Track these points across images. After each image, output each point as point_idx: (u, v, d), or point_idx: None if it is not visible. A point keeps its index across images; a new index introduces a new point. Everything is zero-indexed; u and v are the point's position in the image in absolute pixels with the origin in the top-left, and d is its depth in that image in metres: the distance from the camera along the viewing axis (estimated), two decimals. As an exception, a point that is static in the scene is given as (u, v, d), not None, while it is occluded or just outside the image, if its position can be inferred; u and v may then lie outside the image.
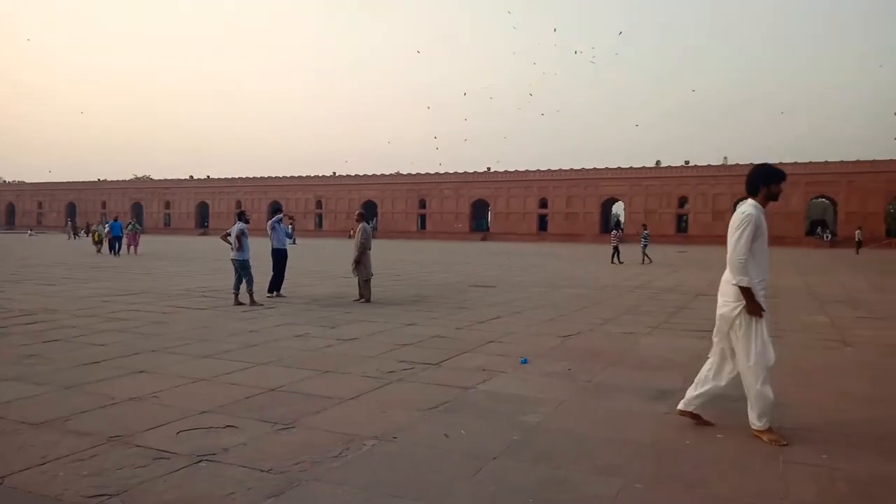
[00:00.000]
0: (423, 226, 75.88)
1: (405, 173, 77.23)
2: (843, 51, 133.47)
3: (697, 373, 6.13)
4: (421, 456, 3.78)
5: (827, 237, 56.41)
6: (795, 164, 58.09)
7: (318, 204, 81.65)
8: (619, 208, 70.27)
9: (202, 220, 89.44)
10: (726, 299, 4.28)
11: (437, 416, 4.61)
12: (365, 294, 11.75)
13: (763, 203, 4.27)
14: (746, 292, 4.09)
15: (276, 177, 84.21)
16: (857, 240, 42.52)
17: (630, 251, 30.15)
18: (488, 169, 72.74)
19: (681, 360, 6.57)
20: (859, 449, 4.00)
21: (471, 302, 12.00)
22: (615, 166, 64.69)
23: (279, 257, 12.64)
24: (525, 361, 6.47)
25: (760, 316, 4.11)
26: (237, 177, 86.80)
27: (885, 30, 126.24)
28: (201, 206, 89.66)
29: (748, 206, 4.22)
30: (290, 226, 15.57)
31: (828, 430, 4.37)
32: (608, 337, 8.23)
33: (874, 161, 55.22)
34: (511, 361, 6.51)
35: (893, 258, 34.67)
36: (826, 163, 57.08)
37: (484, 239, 68.13)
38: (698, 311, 10.96)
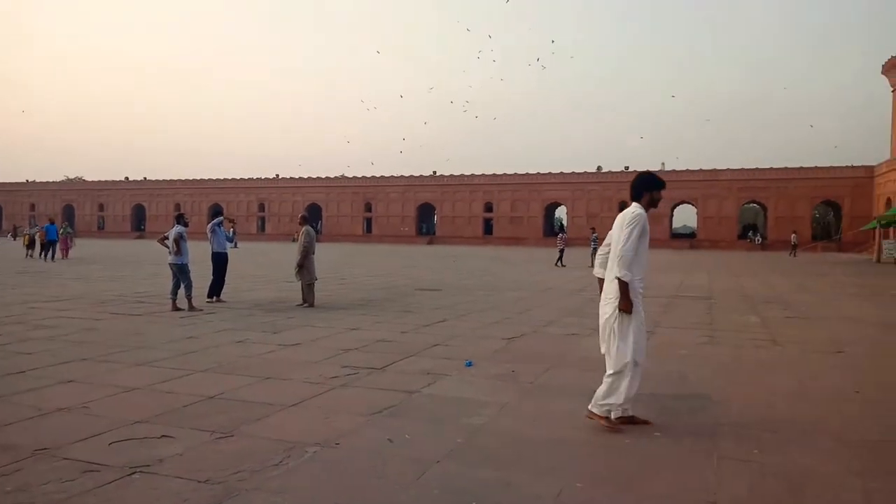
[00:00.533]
0: (368, 229, 75.41)
1: (350, 176, 76.63)
2: (772, 63, 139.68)
3: (643, 376, 6.31)
4: (364, 462, 3.74)
5: (758, 240, 58.87)
6: (729, 170, 60.48)
7: (261, 207, 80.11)
8: (562, 212, 71.58)
9: (138, 223, 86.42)
10: (608, 297, 4.47)
11: (381, 421, 4.57)
12: (308, 298, 11.58)
13: (646, 208, 4.52)
14: (624, 287, 4.28)
15: (216, 179, 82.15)
16: (792, 243, 44.47)
17: (576, 255, 30.71)
18: (434, 173, 72.93)
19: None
20: (787, 444, 4.17)
21: (416, 305, 11.98)
22: (558, 171, 65.92)
23: (219, 261, 12.32)
24: (470, 364, 6.50)
25: (629, 313, 4.30)
26: (176, 179, 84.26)
27: (817, 44, 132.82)
28: (137, 209, 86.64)
29: (637, 208, 4.47)
30: (231, 229, 15.19)
31: (759, 426, 4.55)
32: (551, 339, 8.36)
33: (801, 168, 57.97)
34: (456, 364, 6.53)
35: (820, 260, 36.47)
36: (757, 169, 59.59)
37: (430, 242, 68.22)
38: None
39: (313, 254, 11.80)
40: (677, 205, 63.35)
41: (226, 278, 12.48)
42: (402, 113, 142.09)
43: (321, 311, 10.95)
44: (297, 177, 78.80)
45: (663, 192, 4.68)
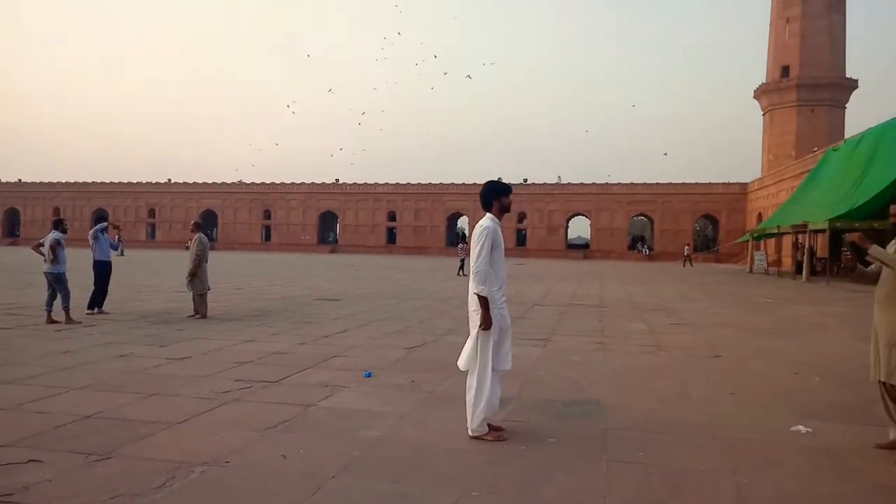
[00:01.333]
0: (268, 237, 73.21)
1: (249, 182, 74.20)
2: (658, 83, 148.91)
3: (536, 379, 6.48)
4: (255, 480, 3.59)
5: (646, 251, 62.34)
6: (619, 184, 63.70)
7: (151, 213, 75.88)
8: (464, 223, 72.67)
9: (12, 229, 79.46)
10: (471, 310, 4.54)
11: (274, 436, 4.42)
12: (200, 309, 11.06)
13: (498, 216, 4.61)
14: (484, 302, 4.34)
15: (101, 182, 77.03)
16: (686, 255, 47.47)
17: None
18: (337, 181, 71.94)
19: (518, 368, 6.84)
20: (670, 445, 4.41)
21: (316, 316, 11.73)
22: (460, 182, 66.89)
23: (102, 270, 11.53)
24: (369, 375, 6.42)
25: (487, 329, 4.35)
26: (56, 181, 78.26)
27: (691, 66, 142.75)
28: (11, 213, 79.68)
29: (486, 220, 4.52)
30: (116, 236, 14.26)
31: (645, 429, 4.78)
32: (452, 347, 8.39)
33: (684, 184, 62.00)
34: (355, 375, 6.44)
35: (700, 271, 39.03)
36: (644, 184, 63.15)
37: (332, 251, 67.18)
38: (535, 321, 11.56)
39: (206, 262, 11.30)
40: (572, 216, 65.92)
41: (109, 288, 11.70)
42: (308, 118, 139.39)
43: (214, 322, 10.49)
44: (191, 182, 75.35)
45: (511, 198, 4.77)
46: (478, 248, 4.40)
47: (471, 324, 4.55)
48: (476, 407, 4.41)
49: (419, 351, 8.10)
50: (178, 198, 74.69)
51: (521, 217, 65.02)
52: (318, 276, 25.01)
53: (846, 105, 52.53)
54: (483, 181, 5.01)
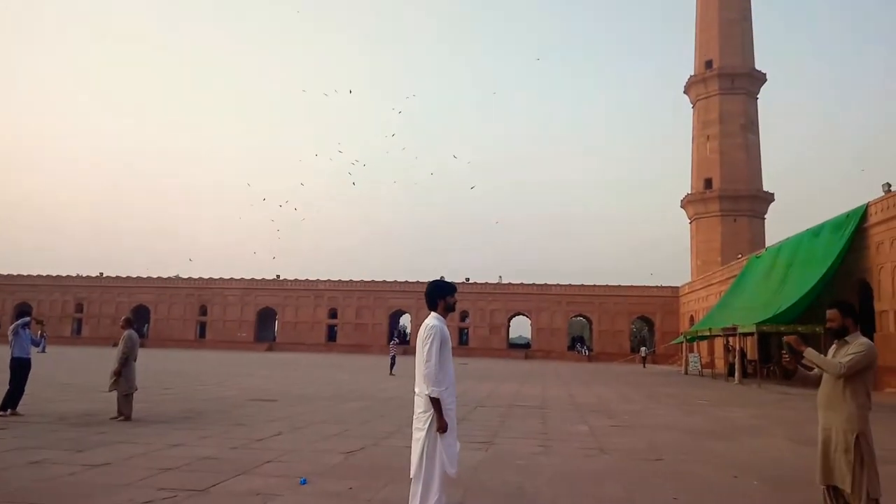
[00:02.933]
0: (202, 334, 70.59)
1: (185, 277, 72.31)
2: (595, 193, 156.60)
3: (479, 485, 6.30)
4: None
5: (585, 352, 63.09)
6: (558, 285, 65.19)
7: (79, 307, 72.47)
8: (406, 320, 72.23)
9: (-81, 322, 74.14)
10: (419, 411, 4.41)
11: (200, 551, 4.09)
12: (125, 411, 10.42)
13: (443, 314, 4.60)
14: (437, 404, 4.26)
15: (26, 275, 73.62)
16: (642, 356, 48.40)
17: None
18: (277, 276, 71.02)
19: (461, 473, 6.64)
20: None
21: (249, 418, 11.20)
22: (403, 280, 67.13)
23: (19, 367, 10.80)
24: (305, 482, 6.11)
25: (444, 431, 4.28)
26: (-25, 272, 74.31)
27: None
28: (-79, 305, 74.60)
29: (432, 319, 4.49)
30: (39, 332, 13.45)
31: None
32: (392, 451, 8.13)
33: (619, 286, 64.04)
34: (290, 482, 6.11)
35: (637, 372, 39.56)
36: (583, 286, 64.85)
37: (270, 349, 65.18)
38: (478, 422, 11.37)
39: (134, 360, 10.77)
40: (513, 316, 66.58)
41: (25, 387, 10.93)
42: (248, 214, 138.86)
43: (139, 424, 9.87)
44: (123, 276, 72.91)
45: (456, 297, 4.79)
46: (427, 347, 4.36)
47: (415, 427, 4.43)
48: None
49: (358, 455, 7.79)
50: (109, 292, 71.88)
51: (464, 316, 65.24)
52: (253, 375, 24.08)
53: (765, 216, 56.28)
54: (426, 280, 5.05)
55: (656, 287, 63.30)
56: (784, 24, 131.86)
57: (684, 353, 39.92)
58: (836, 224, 27.54)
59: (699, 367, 37.19)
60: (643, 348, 52.35)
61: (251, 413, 11.91)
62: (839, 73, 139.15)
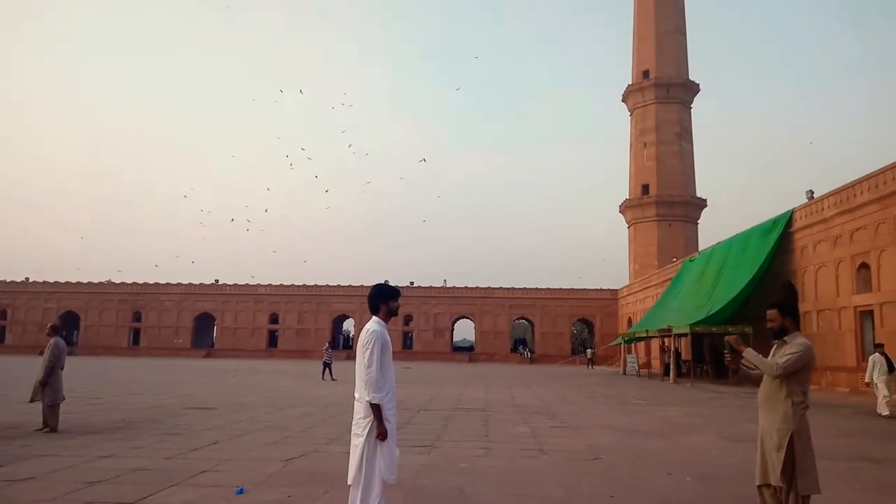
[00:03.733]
0: (136, 341, 68.05)
1: (118, 282, 69.57)
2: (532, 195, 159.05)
3: (420, 489, 6.29)
4: None
5: (527, 354, 63.95)
6: (501, 288, 65.88)
7: (3, 314, 68.70)
8: (350, 325, 71.52)
9: None
10: (358, 417, 4.37)
11: (129, 567, 3.93)
12: (51, 422, 9.93)
13: (385, 319, 4.56)
14: (377, 410, 4.22)
15: (-58, 280, 69.34)
16: (589, 357, 50.43)
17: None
18: (216, 281, 69.17)
19: (402, 478, 6.63)
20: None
21: (185, 427, 10.86)
22: (347, 284, 66.47)
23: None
24: (241, 491, 5.96)
25: (384, 440, 4.25)
26: None
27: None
28: None
29: (373, 324, 4.45)
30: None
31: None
32: (333, 458, 8.03)
33: (561, 289, 65.25)
34: (226, 492, 5.95)
35: (578, 373, 40.33)
36: (525, 289, 65.76)
37: (208, 355, 63.38)
38: (421, 426, 11.35)
39: (61, 369, 10.29)
40: (458, 319, 66.88)
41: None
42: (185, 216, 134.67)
43: (66, 436, 9.42)
44: (51, 281, 69.55)
45: (399, 301, 4.73)
46: (367, 353, 4.32)
47: (353, 433, 4.39)
48: None
49: (298, 462, 7.66)
50: (36, 298, 68.45)
51: (408, 319, 65.12)
52: (190, 383, 23.37)
53: (698, 221, 58.42)
54: (370, 284, 4.98)
55: (596, 290, 64.77)
56: (716, 37, 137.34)
57: (622, 355, 40.96)
58: (764, 229, 28.83)
59: (637, 368, 38.24)
60: (589, 350, 53.56)
61: (187, 422, 11.55)
62: (766, 86, 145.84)
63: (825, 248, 24.47)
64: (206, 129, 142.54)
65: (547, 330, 64.01)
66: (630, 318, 54.31)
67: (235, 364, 44.86)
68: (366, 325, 4.53)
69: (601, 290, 64.61)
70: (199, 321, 68.66)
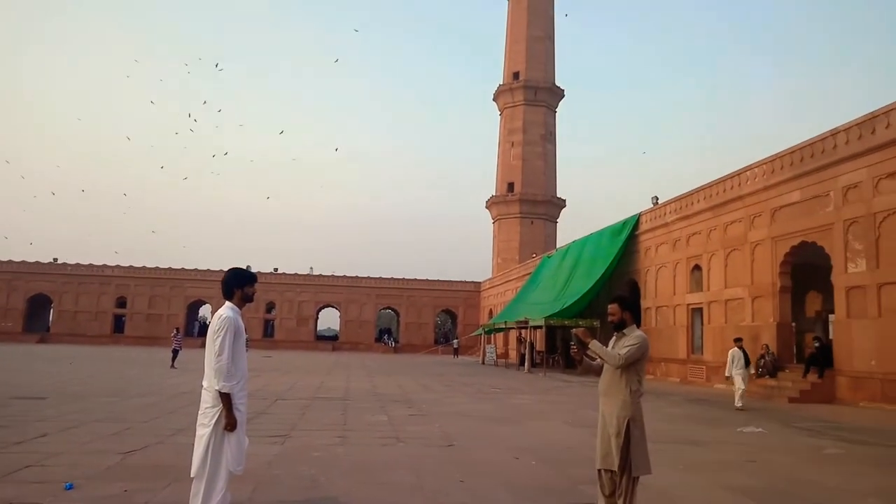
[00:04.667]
0: (-49, 324, 60.38)
1: (-68, 256, 61.28)
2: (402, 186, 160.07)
3: (272, 479, 6.15)
4: None
5: (391, 343, 64.37)
6: (368, 278, 65.69)
7: None
8: (207, 311, 68.05)
9: None
10: (206, 406, 4.26)
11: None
12: None
13: (240, 305, 4.46)
14: (227, 399, 4.12)
15: None
16: (455, 347, 51.77)
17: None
18: (55, 260, 62.93)
19: (252, 468, 6.45)
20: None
21: (10, 418, 9.83)
22: (204, 268, 63.17)
23: None
24: (70, 487, 5.51)
25: (233, 430, 4.17)
26: None
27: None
28: None
29: (225, 310, 4.35)
30: None
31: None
32: (179, 449, 7.63)
33: (427, 280, 66.24)
34: (53, 488, 5.48)
35: (440, 362, 41.19)
36: (392, 279, 66.03)
37: (42, 341, 57.61)
38: (277, 416, 11.08)
39: None
40: (322, 308, 65.83)
41: None
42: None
43: None
44: None
45: (255, 287, 4.64)
46: (219, 340, 4.15)
47: (199, 423, 4.21)
48: None
49: (138, 455, 7.20)
50: None
51: (270, 307, 63.13)
52: (19, 370, 21.14)
53: (557, 220, 61.66)
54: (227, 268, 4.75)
55: (460, 282, 66.43)
56: (579, 47, 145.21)
57: (482, 345, 42.40)
58: (615, 230, 31.02)
59: (495, 358, 39.75)
60: (455, 340, 54.82)
61: (13, 413, 10.46)
62: (620, 94, 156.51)
63: (665, 250, 26.78)
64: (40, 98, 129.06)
65: (412, 320, 64.74)
66: (491, 309, 56.28)
67: (75, 350, 41.17)
68: (218, 311, 4.36)
69: (465, 282, 66.37)
70: (33, 303, 62.21)
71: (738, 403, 14.67)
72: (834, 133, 17.45)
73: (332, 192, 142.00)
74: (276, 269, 64.41)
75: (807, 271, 20.19)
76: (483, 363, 39.28)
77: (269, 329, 63.82)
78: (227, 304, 4.39)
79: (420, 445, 8.51)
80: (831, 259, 17.38)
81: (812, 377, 17.29)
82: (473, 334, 50.16)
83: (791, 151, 19.21)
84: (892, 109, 15.62)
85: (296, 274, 65.04)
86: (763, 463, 8.06)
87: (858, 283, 16.40)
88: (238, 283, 4.46)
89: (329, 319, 74.37)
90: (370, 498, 5.57)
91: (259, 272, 64.26)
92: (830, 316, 18.51)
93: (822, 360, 17.26)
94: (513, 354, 43.00)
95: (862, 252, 16.31)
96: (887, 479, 7.40)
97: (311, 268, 65.92)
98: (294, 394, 15.68)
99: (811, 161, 18.25)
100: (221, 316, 4.26)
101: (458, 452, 8.07)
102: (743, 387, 14.82)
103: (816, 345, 17.99)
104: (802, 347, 20.36)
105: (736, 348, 15.25)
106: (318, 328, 69.27)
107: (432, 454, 7.91)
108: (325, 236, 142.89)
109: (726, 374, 15.41)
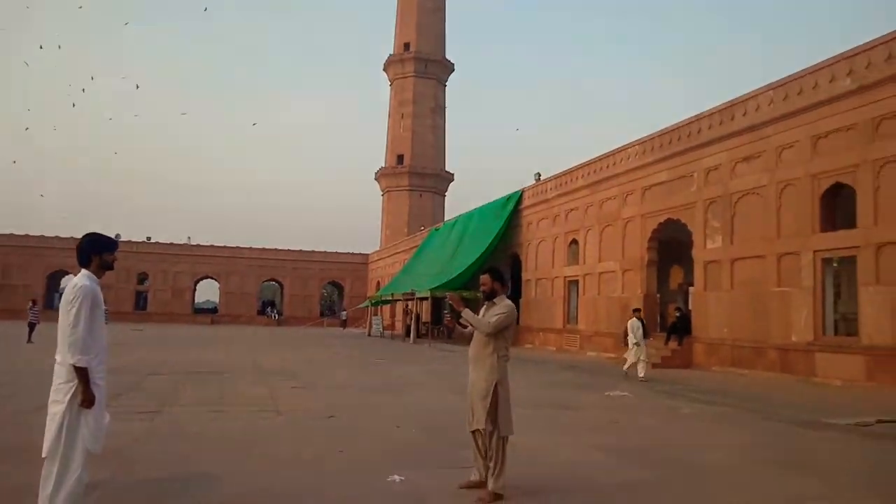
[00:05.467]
0: None
1: None
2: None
3: (139, 456, 5.83)
4: None
5: (275, 316, 62.76)
6: (250, 248, 63.41)
7: None
8: (68, 282, 62.88)
9: None
10: (59, 382, 3.91)
11: None
12: None
13: (98, 274, 4.12)
14: (83, 374, 3.82)
15: None
16: (343, 319, 52.24)
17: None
18: None
19: (116, 446, 6.07)
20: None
21: None
22: (68, 236, 58.22)
23: None
24: None
25: (90, 406, 3.85)
26: None
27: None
28: None
29: (81, 278, 4.02)
30: None
31: (253, 497, 4.69)
32: (32, 429, 7.04)
33: (312, 251, 64.88)
34: None
35: (326, 334, 40.72)
36: (275, 250, 64.09)
37: None
38: (148, 391, 10.51)
39: None
40: (201, 279, 62.87)
41: None
42: None
43: None
44: None
45: (116, 254, 4.27)
46: (73, 311, 3.82)
47: (52, 400, 3.89)
48: (55, 499, 3.74)
49: (-15, 437, 6.59)
50: None
51: (143, 278, 59.48)
52: None
53: (446, 193, 62.34)
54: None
55: (348, 254, 65.70)
56: (471, 22, 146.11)
57: (369, 317, 42.39)
58: (499, 204, 31.84)
59: (381, 329, 39.88)
60: (343, 312, 54.25)
61: None
62: (510, 71, 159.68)
63: (546, 225, 27.86)
64: None
65: (297, 292, 63.36)
66: (379, 281, 56.23)
67: None
68: (72, 280, 4.01)
69: (353, 254, 65.73)
70: None
71: (630, 372, 14.50)
72: (699, 118, 18.79)
73: (217, 162, 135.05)
74: (149, 238, 60.71)
75: (672, 246, 21.74)
76: (369, 335, 39.30)
77: (141, 302, 60.20)
78: (84, 272, 4.05)
79: (301, 417, 8.40)
80: (693, 235, 18.83)
81: (673, 344, 18.78)
82: (360, 306, 49.93)
83: (661, 134, 20.49)
84: (749, 99, 17.02)
85: (171, 243, 61.58)
86: (626, 423, 8.69)
87: (715, 257, 17.90)
88: (96, 250, 4.11)
89: (208, 291, 71.18)
90: (245, 471, 5.43)
91: (130, 241, 60.31)
92: (691, 288, 20.07)
93: (681, 328, 18.78)
94: (399, 326, 43.34)
95: (719, 229, 17.78)
96: (731, 435, 8.21)
97: (189, 237, 62.69)
98: (168, 368, 14.94)
99: (678, 144, 19.58)
100: (77, 285, 3.92)
101: (339, 423, 8.04)
102: (643, 357, 14.42)
103: (677, 314, 19.52)
104: (666, 317, 22.03)
105: (635, 318, 14.88)
106: (197, 301, 66.24)
107: (313, 426, 7.83)
108: (206, 206, 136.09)
109: (628, 345, 14.91)
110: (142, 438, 6.71)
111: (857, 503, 5.27)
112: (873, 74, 13.60)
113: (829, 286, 14.83)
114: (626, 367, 14.78)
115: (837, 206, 14.88)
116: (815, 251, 14.83)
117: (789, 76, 15.82)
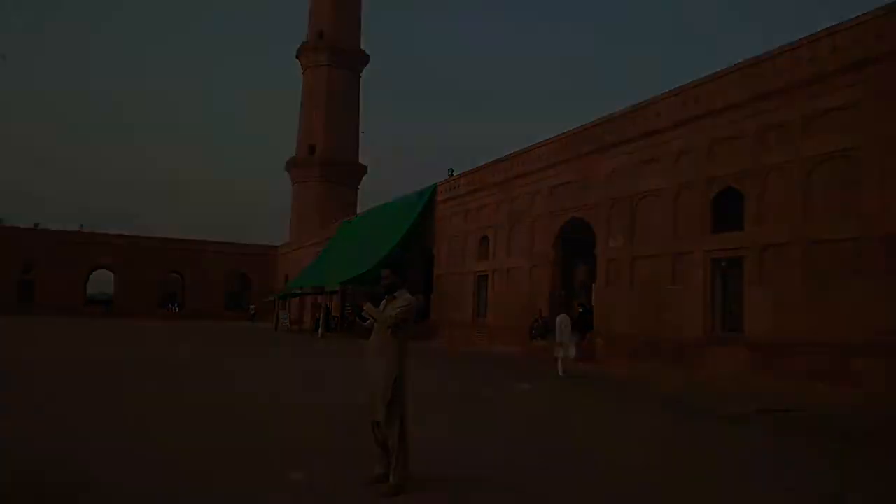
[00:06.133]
0: None
1: None
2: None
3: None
4: None
5: (176, 309, 60.00)
6: (149, 238, 60.23)
7: None
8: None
9: None
10: None
11: None
12: None
13: None
14: None
15: None
16: (251, 313, 51.71)
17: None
18: None
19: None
20: None
21: None
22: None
23: None
24: None
25: None
26: None
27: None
28: None
29: None
30: None
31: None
32: None
33: (218, 243, 62.21)
34: None
35: (235, 328, 39.28)
36: (180, 240, 60.96)
37: None
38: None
39: None
40: (94, 270, 59.15)
41: None
42: None
43: None
44: None
45: None
46: None
47: None
48: None
49: None
50: None
51: (28, 267, 55.28)
52: None
53: (358, 186, 61.65)
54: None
55: (255, 245, 63.82)
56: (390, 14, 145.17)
57: (276, 311, 41.32)
58: (412, 199, 31.83)
59: (288, 323, 38.99)
60: (251, 306, 52.61)
61: None
62: (428, 64, 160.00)
63: (459, 220, 28.13)
64: None
65: (200, 284, 60.86)
66: (288, 274, 54.95)
67: None
68: None
69: (260, 245, 63.93)
70: None
71: (559, 371, 14.48)
72: (604, 122, 19.52)
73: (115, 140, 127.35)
74: (36, 225, 56.54)
75: (577, 244, 22.51)
76: (276, 329, 38.34)
77: (26, 291, 55.93)
78: None
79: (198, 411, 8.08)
80: (596, 234, 19.56)
81: (575, 339, 19.40)
82: (268, 300, 48.56)
83: (571, 135, 21.13)
84: (651, 104, 17.84)
85: (62, 231, 57.60)
86: (524, 411, 8.94)
87: (616, 256, 18.69)
88: None
89: (103, 283, 67.05)
90: (134, 469, 5.15)
91: (14, 227, 55.98)
92: (593, 285, 20.84)
93: (584, 324, 19.44)
94: (308, 320, 42.55)
95: (621, 229, 18.56)
96: (620, 424, 8.61)
97: (82, 224, 58.85)
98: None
99: (585, 145, 20.26)
100: None
101: (241, 418, 7.79)
102: (569, 355, 14.47)
103: (580, 310, 20.22)
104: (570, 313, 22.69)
105: (564, 314, 15.03)
106: (90, 292, 62.29)
107: (211, 419, 7.54)
108: (106, 192, 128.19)
109: (557, 341, 15.10)
110: None
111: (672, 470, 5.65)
112: (762, 86, 14.57)
113: (718, 285, 15.81)
114: (560, 370, 14.56)
115: (728, 209, 15.87)
116: (706, 251, 15.76)
117: (688, 83, 16.70)
